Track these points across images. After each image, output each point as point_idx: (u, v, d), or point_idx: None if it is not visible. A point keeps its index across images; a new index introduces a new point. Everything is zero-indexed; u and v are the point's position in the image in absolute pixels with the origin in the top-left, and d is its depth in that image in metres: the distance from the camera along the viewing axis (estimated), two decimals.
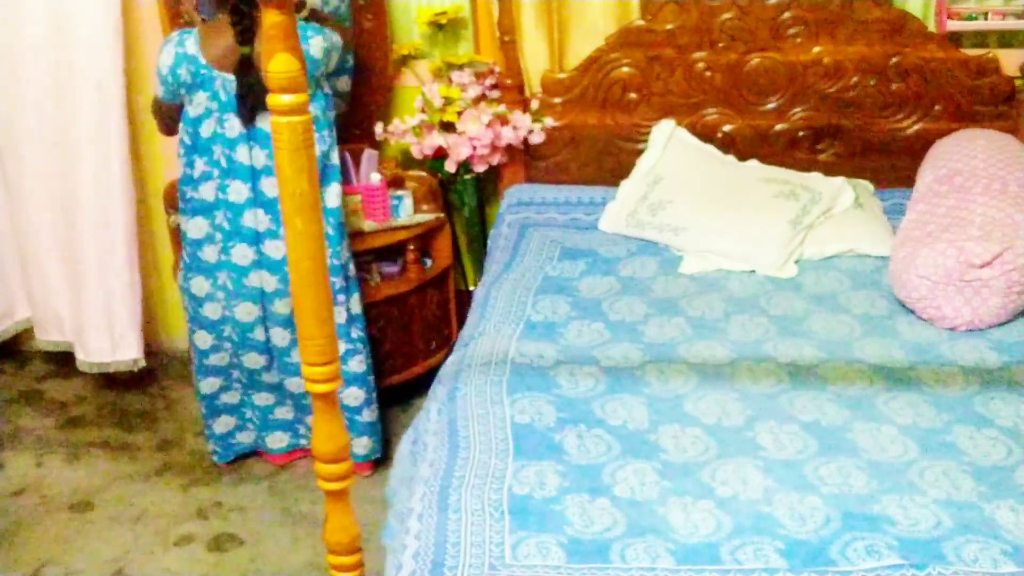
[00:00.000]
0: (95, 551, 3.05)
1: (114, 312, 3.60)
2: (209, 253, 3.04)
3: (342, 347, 3.07)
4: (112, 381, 3.83)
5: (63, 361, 3.92)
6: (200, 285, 3.07)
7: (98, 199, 3.49)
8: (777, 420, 2.32)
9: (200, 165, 2.98)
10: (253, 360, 3.16)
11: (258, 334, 3.11)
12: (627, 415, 2.35)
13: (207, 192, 2.99)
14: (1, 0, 3.39)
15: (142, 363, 3.68)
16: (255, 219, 2.99)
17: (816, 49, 3.37)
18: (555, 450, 2.24)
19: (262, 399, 3.27)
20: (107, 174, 3.47)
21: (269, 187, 2.96)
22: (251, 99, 2.87)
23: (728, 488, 2.11)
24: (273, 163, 2.89)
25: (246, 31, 2.83)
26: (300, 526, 3.10)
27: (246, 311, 3.07)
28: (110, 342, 3.63)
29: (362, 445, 3.24)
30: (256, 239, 3.00)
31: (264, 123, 2.91)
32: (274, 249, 3.00)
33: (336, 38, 3.00)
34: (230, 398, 3.26)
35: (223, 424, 3.30)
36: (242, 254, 3.01)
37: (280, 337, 3.10)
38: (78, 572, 2.98)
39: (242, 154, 2.94)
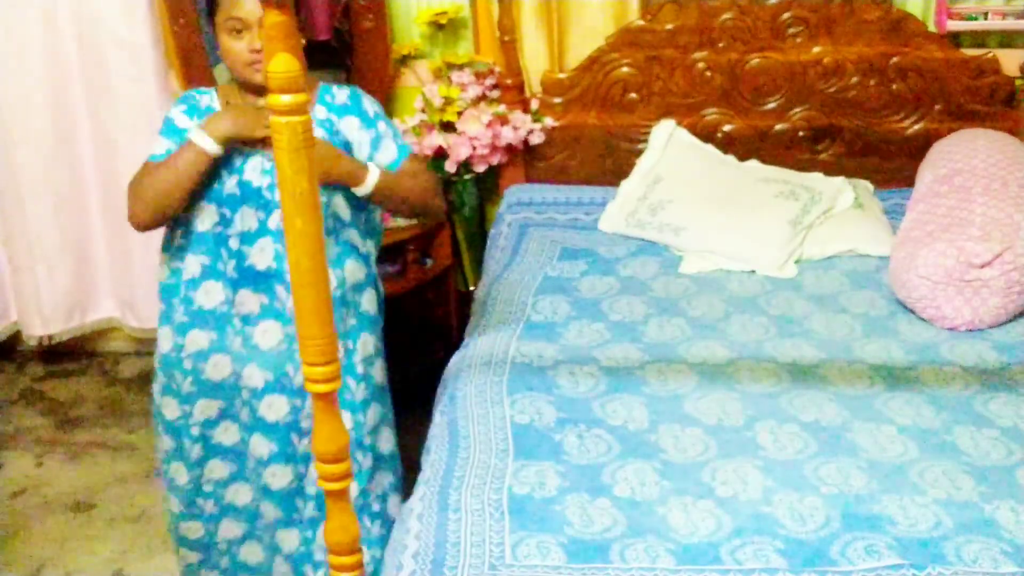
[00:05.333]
0: (95, 551, 3.05)
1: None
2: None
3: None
4: (112, 381, 3.84)
5: (63, 361, 3.92)
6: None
7: None
8: (777, 420, 2.32)
9: None
10: None
11: None
12: (627, 415, 2.35)
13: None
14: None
15: None
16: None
17: (816, 49, 3.37)
18: (555, 450, 2.24)
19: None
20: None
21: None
22: None
23: (728, 488, 2.11)
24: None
25: None
26: None
27: None
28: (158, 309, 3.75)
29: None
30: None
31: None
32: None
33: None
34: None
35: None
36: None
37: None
38: (78, 572, 2.98)
39: None
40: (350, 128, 2.42)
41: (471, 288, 3.67)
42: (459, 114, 3.39)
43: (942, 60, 3.33)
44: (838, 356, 2.57)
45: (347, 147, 2.42)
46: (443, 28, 3.51)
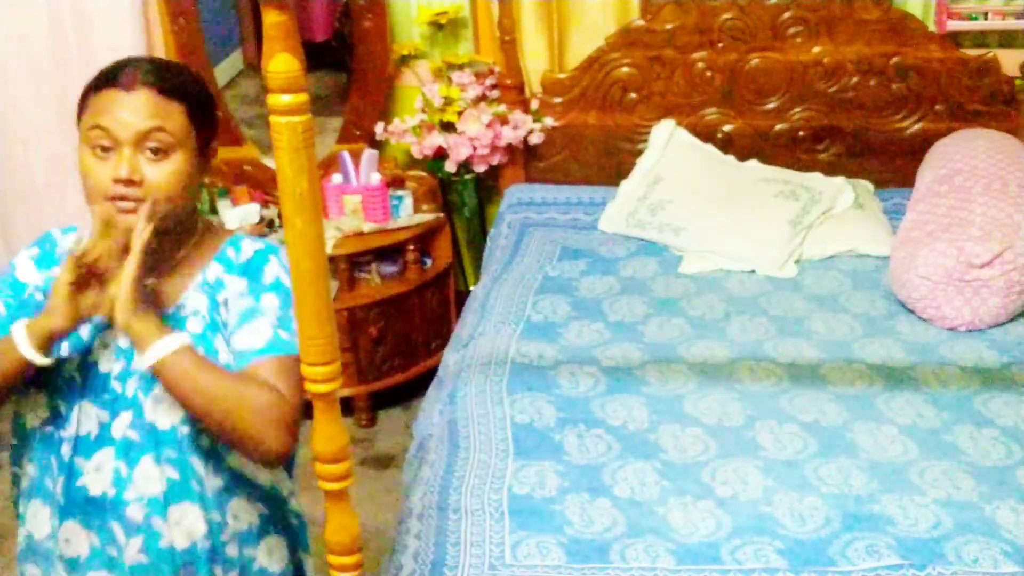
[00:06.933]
0: None
1: None
2: None
3: None
4: None
5: None
6: None
7: None
8: (777, 420, 2.32)
9: None
10: None
11: None
12: (627, 415, 2.35)
13: None
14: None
15: None
16: None
17: (816, 49, 3.37)
18: (555, 450, 2.24)
19: None
20: None
21: None
22: None
23: (728, 488, 2.11)
24: None
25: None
26: None
27: None
28: None
29: None
30: None
31: None
32: None
33: None
34: None
35: None
36: None
37: None
38: None
39: None
40: (233, 293, 1.67)
41: (471, 288, 3.67)
42: (459, 114, 3.39)
43: (942, 60, 3.33)
44: (838, 356, 2.57)
45: (223, 327, 1.66)
46: (443, 28, 3.51)
